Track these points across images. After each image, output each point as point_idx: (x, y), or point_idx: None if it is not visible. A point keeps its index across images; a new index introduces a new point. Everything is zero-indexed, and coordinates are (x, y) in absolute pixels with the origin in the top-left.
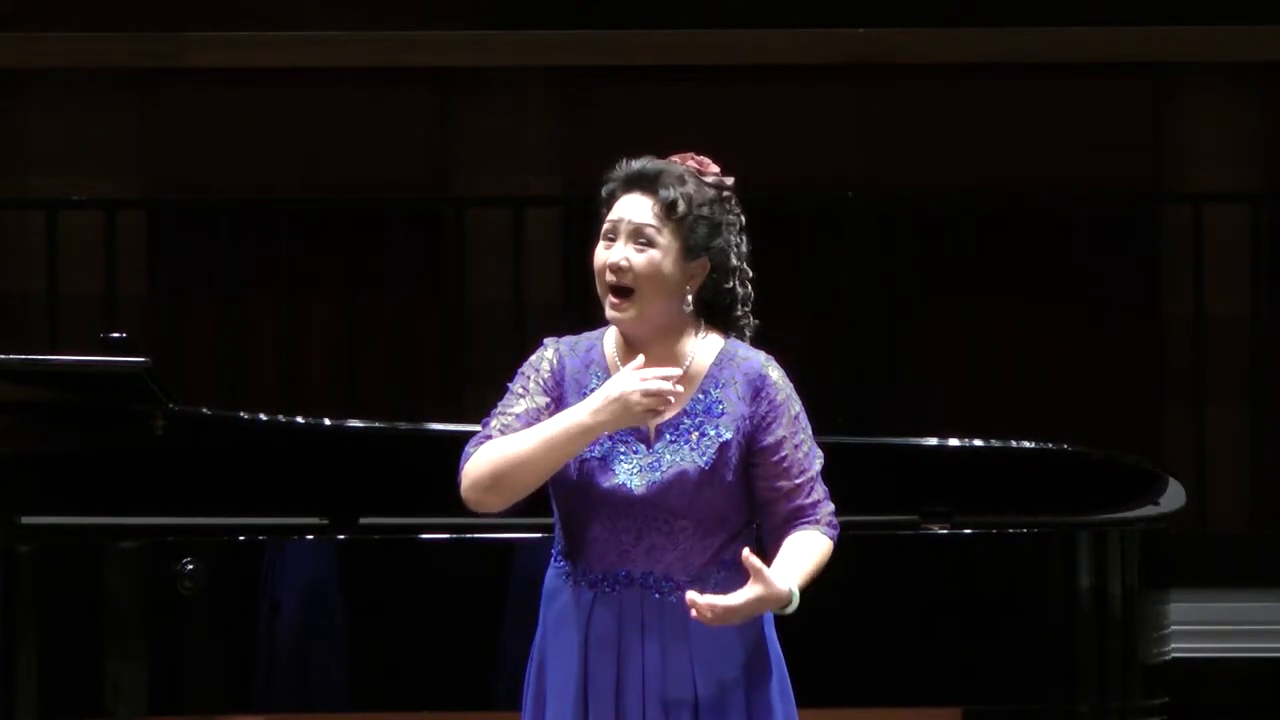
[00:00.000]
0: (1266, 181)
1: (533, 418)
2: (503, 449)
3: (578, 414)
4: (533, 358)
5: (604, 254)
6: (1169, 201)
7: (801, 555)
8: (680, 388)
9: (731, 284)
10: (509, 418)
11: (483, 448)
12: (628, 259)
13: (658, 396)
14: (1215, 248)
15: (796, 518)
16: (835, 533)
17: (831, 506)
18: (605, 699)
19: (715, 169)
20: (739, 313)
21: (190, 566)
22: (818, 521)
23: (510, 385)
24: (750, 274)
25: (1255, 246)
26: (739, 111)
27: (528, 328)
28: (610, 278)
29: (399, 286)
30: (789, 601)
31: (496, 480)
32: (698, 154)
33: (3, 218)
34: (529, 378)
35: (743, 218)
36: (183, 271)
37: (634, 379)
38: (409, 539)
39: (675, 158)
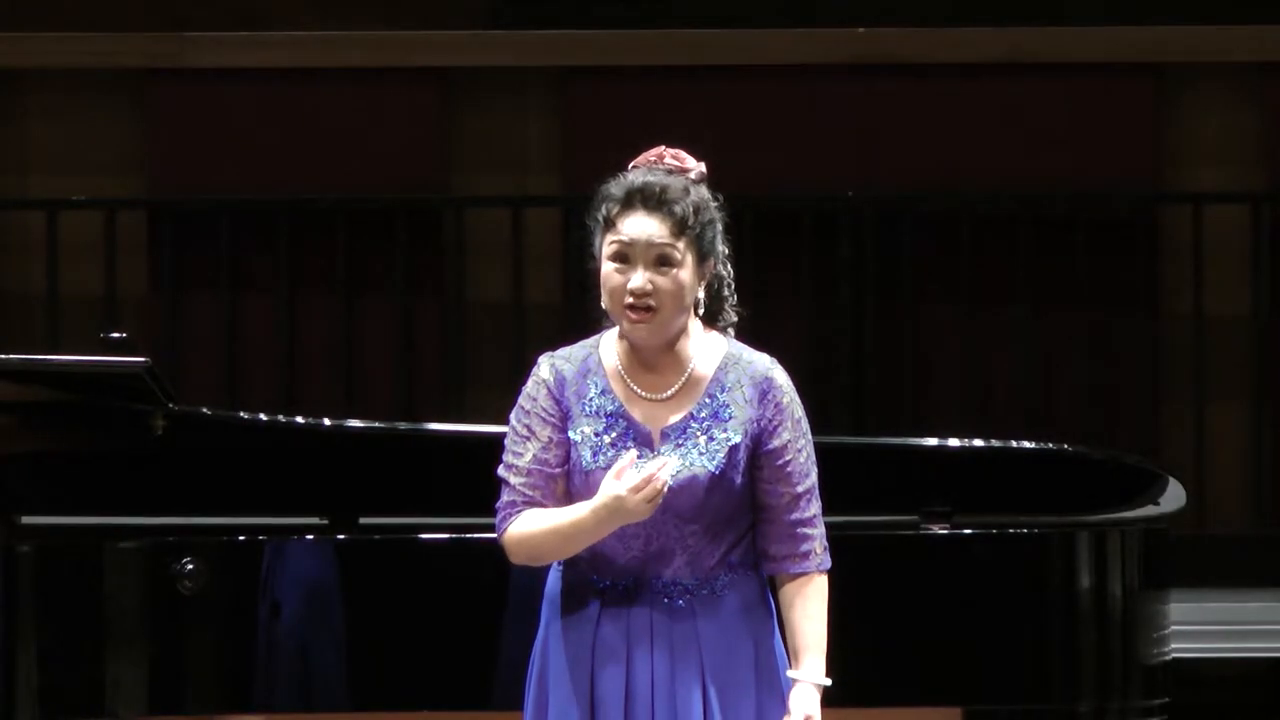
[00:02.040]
0: (1266, 181)
1: (542, 462)
2: (529, 536)
3: (586, 517)
4: (528, 385)
5: (619, 278)
6: (1169, 201)
7: (816, 628)
8: (673, 463)
9: (719, 269)
10: (522, 475)
11: (511, 530)
12: (652, 283)
13: (655, 497)
14: (1215, 248)
15: (795, 540)
16: (829, 560)
17: (823, 528)
18: (614, 711)
19: (692, 161)
20: (726, 294)
21: (190, 566)
22: (814, 553)
23: (513, 421)
24: (728, 253)
25: (1255, 246)
26: (739, 111)
27: (528, 328)
28: (631, 300)
29: (399, 286)
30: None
31: (535, 559)
32: (675, 149)
33: (3, 218)
34: (529, 413)
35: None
36: (183, 271)
37: (620, 488)
38: (409, 539)
39: (651, 154)
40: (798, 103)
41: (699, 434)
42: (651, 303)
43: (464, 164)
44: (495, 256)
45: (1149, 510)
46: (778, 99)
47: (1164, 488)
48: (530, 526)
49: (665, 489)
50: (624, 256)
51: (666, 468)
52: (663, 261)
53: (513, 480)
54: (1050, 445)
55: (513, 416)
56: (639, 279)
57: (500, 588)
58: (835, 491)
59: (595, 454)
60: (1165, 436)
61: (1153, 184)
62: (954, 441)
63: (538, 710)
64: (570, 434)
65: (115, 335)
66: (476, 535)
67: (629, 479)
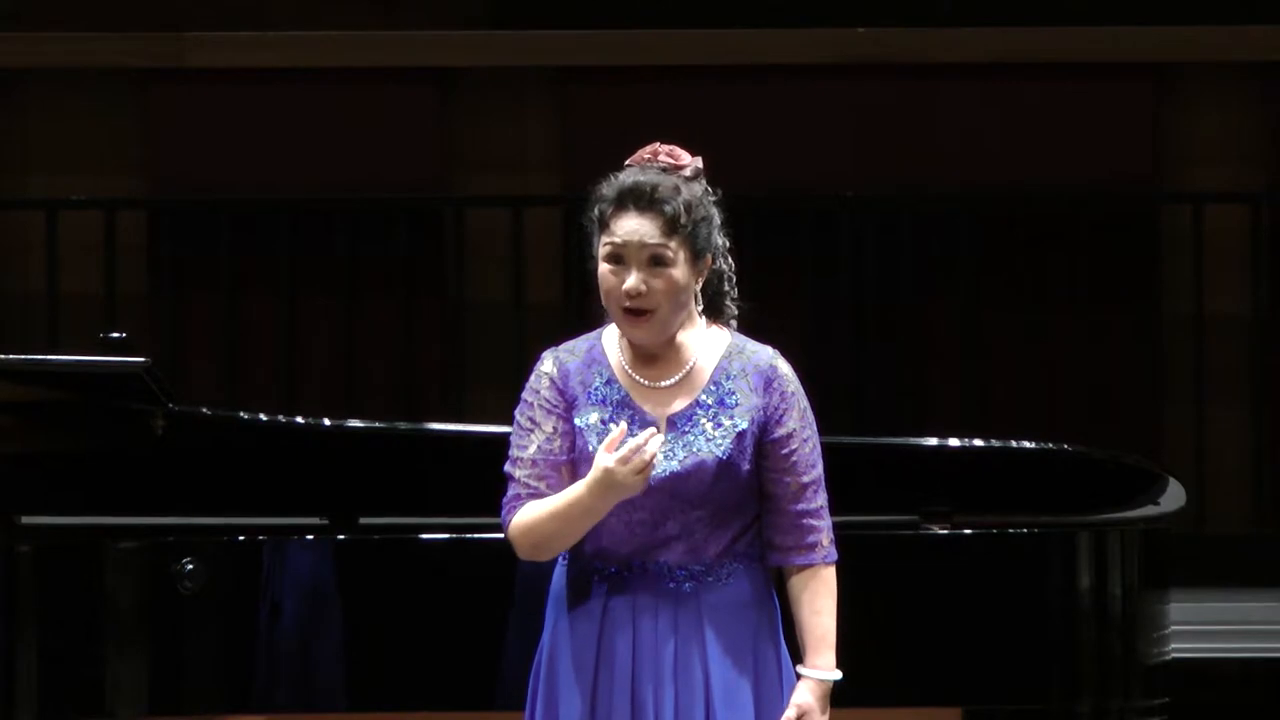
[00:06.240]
0: (1266, 181)
1: (547, 452)
2: (532, 524)
3: (582, 494)
4: (531, 379)
5: (614, 279)
6: (1169, 201)
7: (824, 622)
8: (663, 436)
9: (719, 264)
10: (527, 466)
11: (515, 520)
12: (646, 284)
13: (644, 468)
14: (1215, 248)
15: (801, 531)
16: (835, 552)
17: (829, 520)
18: (621, 682)
19: (687, 157)
20: (727, 288)
21: (190, 566)
22: (820, 545)
23: (517, 416)
24: (728, 245)
25: (1255, 246)
26: (739, 111)
27: (528, 327)
28: (627, 303)
29: (399, 286)
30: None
31: (538, 549)
32: (669, 145)
33: (3, 218)
34: (532, 405)
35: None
36: (183, 271)
37: (609, 459)
38: (409, 539)
39: (645, 151)
40: (797, 103)
41: (705, 421)
42: (646, 305)
43: (464, 164)
44: (495, 256)
45: (1149, 510)
46: (777, 99)
47: (1164, 488)
48: (531, 514)
49: (654, 460)
50: (618, 258)
51: (654, 440)
52: (656, 262)
53: (517, 474)
54: (1050, 445)
55: (516, 413)
56: (633, 280)
57: (500, 587)
58: (835, 491)
59: (602, 441)
60: (1165, 436)
61: (1153, 184)
62: (954, 441)
63: (547, 696)
64: (577, 421)
65: (115, 335)
66: (476, 535)
67: (619, 451)
